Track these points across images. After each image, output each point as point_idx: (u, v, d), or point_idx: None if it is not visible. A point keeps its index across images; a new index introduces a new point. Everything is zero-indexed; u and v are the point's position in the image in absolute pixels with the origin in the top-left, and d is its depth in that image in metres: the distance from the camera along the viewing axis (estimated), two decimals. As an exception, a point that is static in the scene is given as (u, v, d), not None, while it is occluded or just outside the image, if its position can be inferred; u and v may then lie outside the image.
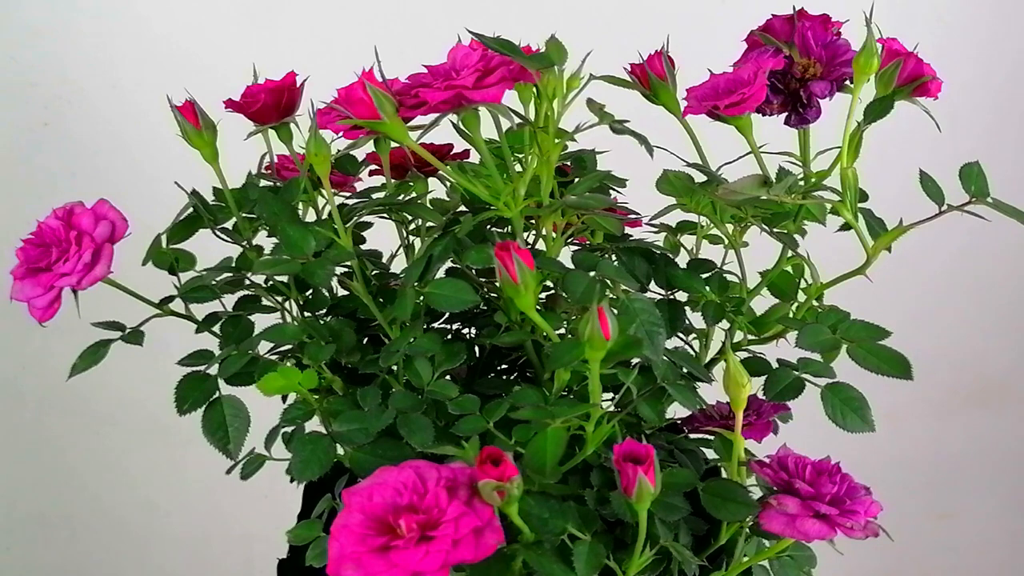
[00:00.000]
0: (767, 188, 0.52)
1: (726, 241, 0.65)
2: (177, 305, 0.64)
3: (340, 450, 0.56)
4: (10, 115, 1.20)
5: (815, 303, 0.63)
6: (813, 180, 0.59)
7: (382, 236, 0.69)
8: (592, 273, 0.53)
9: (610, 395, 0.59)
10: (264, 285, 0.66)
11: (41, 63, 1.19)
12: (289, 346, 0.63)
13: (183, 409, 0.57)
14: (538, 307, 0.53)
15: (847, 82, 0.57)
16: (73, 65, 1.18)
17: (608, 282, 0.52)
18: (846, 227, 0.56)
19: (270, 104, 0.65)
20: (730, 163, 0.61)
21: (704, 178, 0.60)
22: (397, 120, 0.52)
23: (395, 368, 0.57)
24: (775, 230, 0.59)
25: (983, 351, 1.29)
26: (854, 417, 0.56)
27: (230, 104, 0.65)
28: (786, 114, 0.59)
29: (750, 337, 0.64)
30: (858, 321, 0.57)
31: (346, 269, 0.62)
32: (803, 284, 0.65)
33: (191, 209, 0.62)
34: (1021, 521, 1.34)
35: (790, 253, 0.62)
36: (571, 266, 0.54)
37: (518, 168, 0.62)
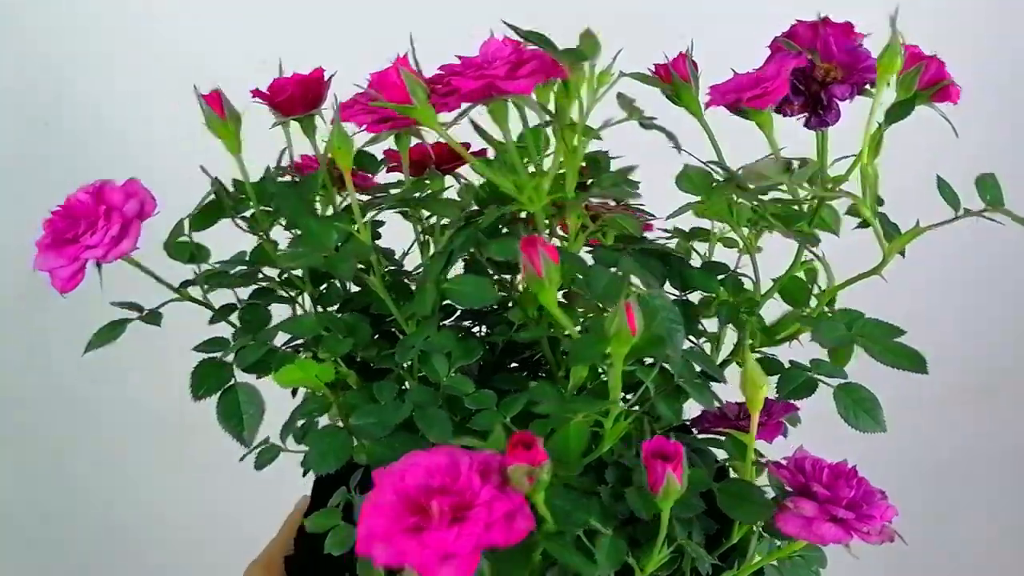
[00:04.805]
0: (790, 174, 0.52)
1: (740, 245, 0.66)
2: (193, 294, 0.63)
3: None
4: (10, 115, 1.20)
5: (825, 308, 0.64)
6: (831, 184, 0.60)
7: (393, 235, 0.69)
8: (613, 270, 0.53)
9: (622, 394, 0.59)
10: (278, 279, 0.66)
11: (41, 63, 1.18)
12: (302, 340, 0.62)
13: (198, 395, 0.57)
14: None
15: (867, 86, 0.58)
16: (73, 65, 1.18)
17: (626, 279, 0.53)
18: (863, 225, 0.56)
19: (297, 96, 0.65)
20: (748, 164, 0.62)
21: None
22: (428, 106, 0.52)
23: (409, 363, 0.57)
24: (794, 230, 0.59)
25: (983, 350, 1.29)
26: (866, 417, 0.56)
27: (257, 94, 0.65)
28: (806, 116, 0.59)
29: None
30: (871, 319, 0.57)
31: (361, 265, 0.62)
32: (815, 289, 0.65)
33: (212, 196, 0.61)
34: (1022, 520, 1.35)
35: (805, 256, 0.63)
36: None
37: (530, 167, 0.63)
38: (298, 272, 0.64)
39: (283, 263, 0.55)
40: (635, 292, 0.52)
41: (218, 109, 0.62)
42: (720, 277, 0.63)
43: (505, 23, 0.51)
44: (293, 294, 0.66)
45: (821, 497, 0.48)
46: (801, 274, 0.65)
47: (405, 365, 0.56)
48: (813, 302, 0.65)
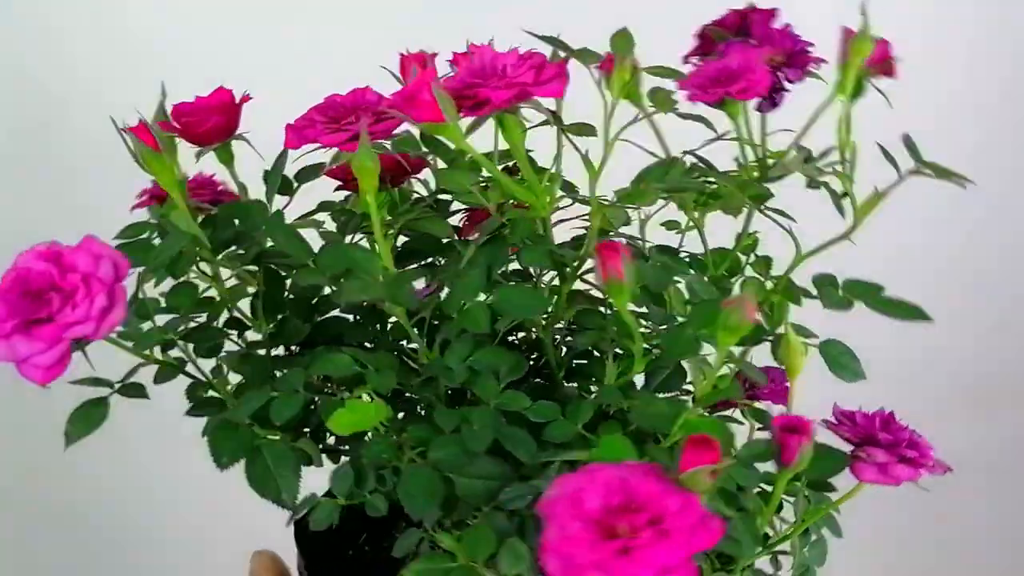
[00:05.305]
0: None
1: (682, 226, 0.69)
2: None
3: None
4: (10, 115, 1.19)
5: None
6: (772, 161, 0.64)
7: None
8: (649, 262, 0.54)
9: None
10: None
11: (41, 63, 1.18)
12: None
13: (221, 463, 0.51)
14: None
15: (811, 67, 0.63)
16: (73, 65, 1.17)
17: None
18: (844, 195, 0.61)
19: (220, 125, 0.60)
20: (691, 151, 0.65)
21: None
22: (458, 124, 0.50)
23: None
24: (765, 207, 0.62)
25: (983, 350, 1.36)
26: (846, 369, 0.61)
27: (167, 127, 0.59)
28: (759, 100, 0.63)
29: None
30: (851, 280, 0.62)
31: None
32: (752, 258, 0.70)
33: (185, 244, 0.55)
34: (1022, 519, 1.42)
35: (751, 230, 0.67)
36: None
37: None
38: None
39: (349, 298, 0.50)
40: (687, 280, 0.53)
41: (149, 141, 0.56)
42: (686, 259, 0.66)
43: (527, 32, 0.50)
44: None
45: (885, 442, 0.52)
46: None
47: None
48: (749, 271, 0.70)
